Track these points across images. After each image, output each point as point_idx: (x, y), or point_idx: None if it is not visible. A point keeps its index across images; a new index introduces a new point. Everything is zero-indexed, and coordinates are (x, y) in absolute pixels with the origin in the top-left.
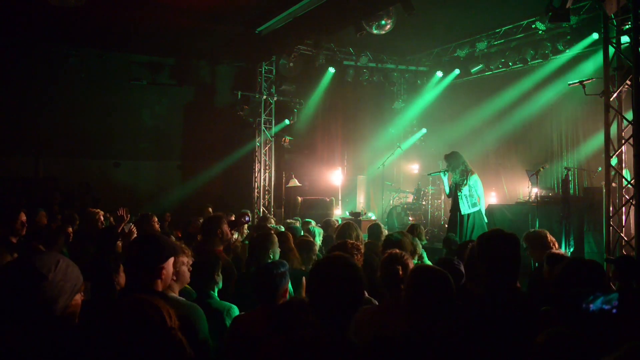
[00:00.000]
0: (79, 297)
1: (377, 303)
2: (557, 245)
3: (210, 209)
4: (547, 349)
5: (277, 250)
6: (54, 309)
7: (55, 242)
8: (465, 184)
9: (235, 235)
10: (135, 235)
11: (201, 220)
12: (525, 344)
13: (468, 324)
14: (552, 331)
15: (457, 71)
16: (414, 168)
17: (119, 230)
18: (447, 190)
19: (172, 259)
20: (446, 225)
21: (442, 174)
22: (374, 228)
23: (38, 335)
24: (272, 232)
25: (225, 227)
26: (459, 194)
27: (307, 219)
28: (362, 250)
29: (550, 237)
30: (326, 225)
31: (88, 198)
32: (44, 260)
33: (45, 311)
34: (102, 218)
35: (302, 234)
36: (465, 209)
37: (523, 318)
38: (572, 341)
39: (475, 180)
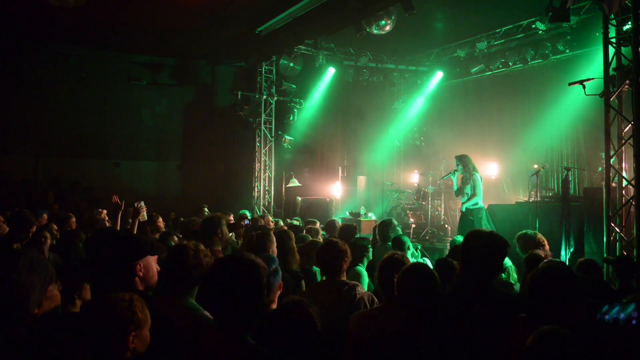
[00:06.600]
0: (53, 288)
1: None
2: (547, 246)
3: (206, 209)
4: (537, 350)
5: (275, 250)
6: (27, 305)
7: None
8: (469, 183)
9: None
10: (144, 212)
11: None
12: (490, 341)
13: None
14: (542, 331)
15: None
16: (414, 168)
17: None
18: (455, 189)
19: (150, 257)
20: (446, 225)
21: (451, 175)
22: (383, 227)
23: (13, 333)
24: (273, 230)
25: (225, 228)
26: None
27: (310, 219)
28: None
29: (539, 238)
30: (330, 226)
31: (89, 198)
32: (3, 259)
33: (16, 308)
34: (106, 217)
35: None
36: (466, 204)
37: (490, 315)
38: (563, 340)
39: (477, 179)
